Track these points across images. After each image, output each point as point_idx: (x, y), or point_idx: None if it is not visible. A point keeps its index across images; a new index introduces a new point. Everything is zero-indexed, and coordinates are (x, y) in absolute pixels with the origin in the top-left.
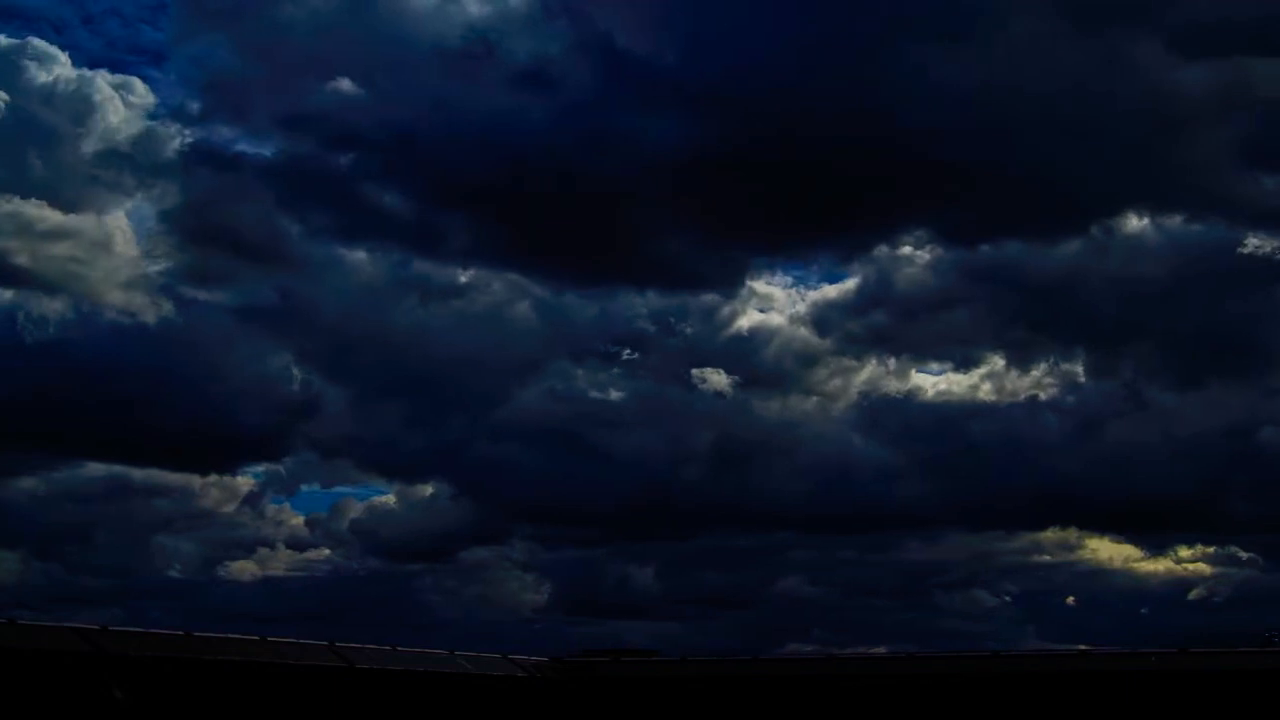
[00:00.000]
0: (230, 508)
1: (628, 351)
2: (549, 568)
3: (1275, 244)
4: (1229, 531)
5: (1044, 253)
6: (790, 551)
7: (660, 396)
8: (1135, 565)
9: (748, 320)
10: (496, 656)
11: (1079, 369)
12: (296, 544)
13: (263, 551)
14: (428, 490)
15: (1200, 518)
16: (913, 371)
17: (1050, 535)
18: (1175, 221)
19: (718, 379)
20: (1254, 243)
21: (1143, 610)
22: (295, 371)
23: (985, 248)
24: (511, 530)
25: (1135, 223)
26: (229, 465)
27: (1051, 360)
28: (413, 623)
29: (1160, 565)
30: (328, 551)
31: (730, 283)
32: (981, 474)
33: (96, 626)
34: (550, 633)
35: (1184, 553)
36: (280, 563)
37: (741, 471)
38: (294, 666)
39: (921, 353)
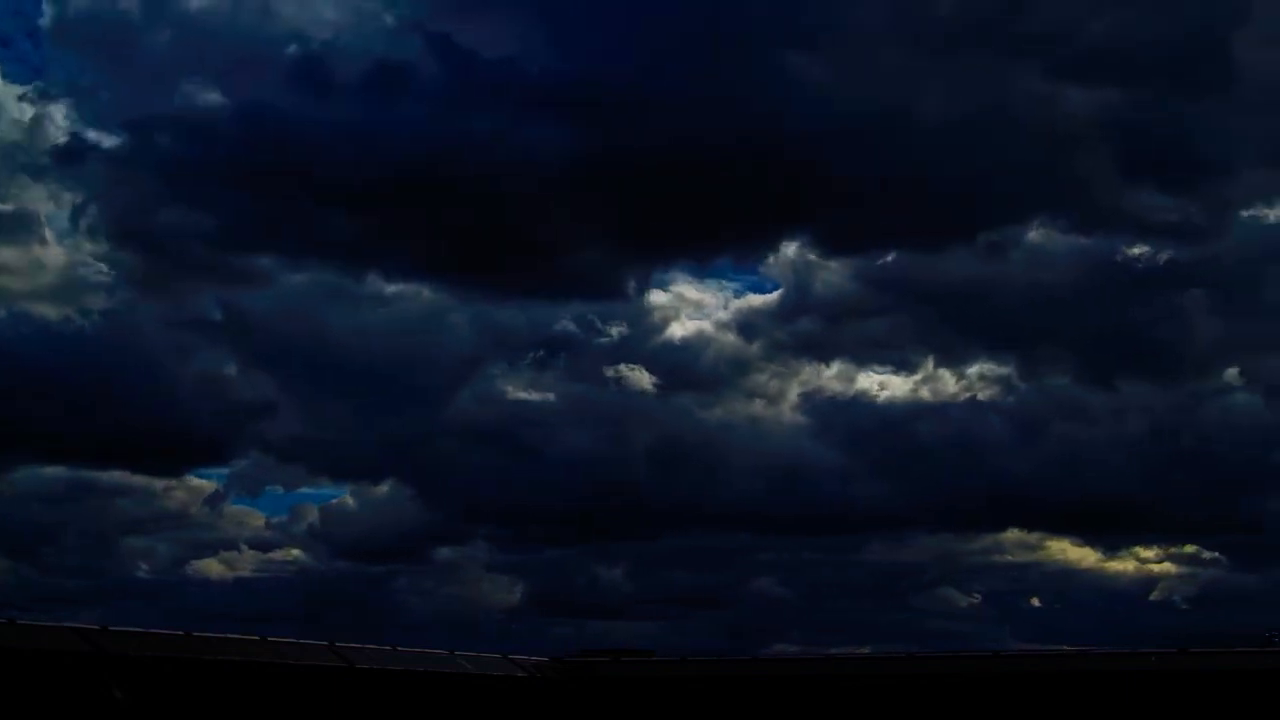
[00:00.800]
0: (194, 509)
1: (557, 357)
2: (518, 569)
3: (1166, 252)
4: (1185, 532)
5: (935, 261)
6: (757, 553)
7: (602, 401)
8: (1100, 565)
9: (681, 327)
10: (496, 656)
11: (1010, 372)
12: (262, 545)
13: (229, 553)
14: (384, 491)
15: (1155, 518)
16: (860, 375)
17: (1011, 536)
18: (1058, 232)
19: (645, 380)
20: (1137, 251)
21: (1112, 610)
22: (240, 376)
23: (877, 254)
24: (473, 531)
25: (1020, 233)
26: (187, 468)
27: (983, 364)
28: (389, 624)
29: (1125, 565)
30: (296, 552)
31: (645, 289)
32: (936, 476)
33: (96, 626)
34: (529, 633)
35: (1146, 553)
36: (248, 564)
37: (696, 474)
38: (294, 666)
39: (853, 357)
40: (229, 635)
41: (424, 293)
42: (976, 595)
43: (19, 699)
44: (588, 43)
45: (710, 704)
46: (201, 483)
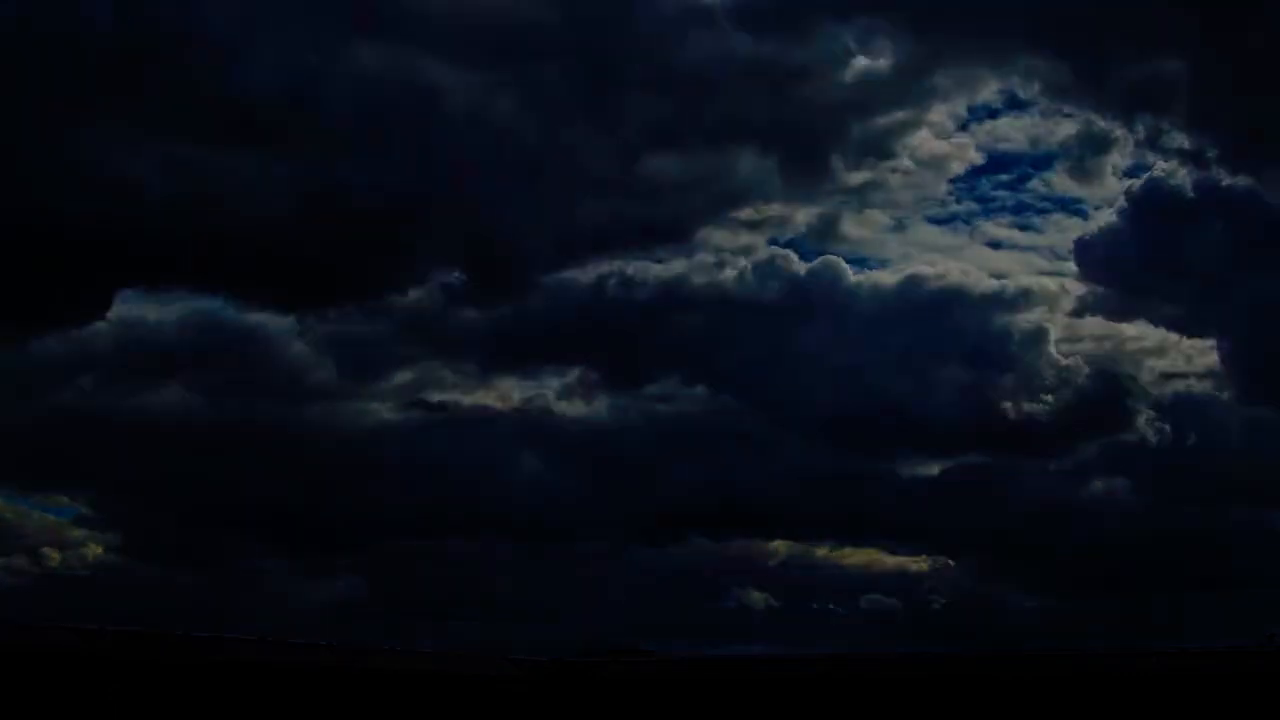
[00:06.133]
0: None
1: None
2: (321, 571)
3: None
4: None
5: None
6: (536, 558)
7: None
8: (869, 567)
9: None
10: (495, 656)
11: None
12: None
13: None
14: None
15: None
16: (541, 389)
17: (775, 542)
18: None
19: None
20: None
21: (903, 609)
22: None
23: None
24: (227, 536)
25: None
26: None
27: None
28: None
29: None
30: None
31: None
32: (627, 486)
33: (95, 627)
34: (389, 638)
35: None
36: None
37: (426, 483)
38: (294, 666)
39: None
40: (228, 636)
41: None
42: (775, 596)
43: (18, 699)
44: None
45: (711, 704)
46: None
